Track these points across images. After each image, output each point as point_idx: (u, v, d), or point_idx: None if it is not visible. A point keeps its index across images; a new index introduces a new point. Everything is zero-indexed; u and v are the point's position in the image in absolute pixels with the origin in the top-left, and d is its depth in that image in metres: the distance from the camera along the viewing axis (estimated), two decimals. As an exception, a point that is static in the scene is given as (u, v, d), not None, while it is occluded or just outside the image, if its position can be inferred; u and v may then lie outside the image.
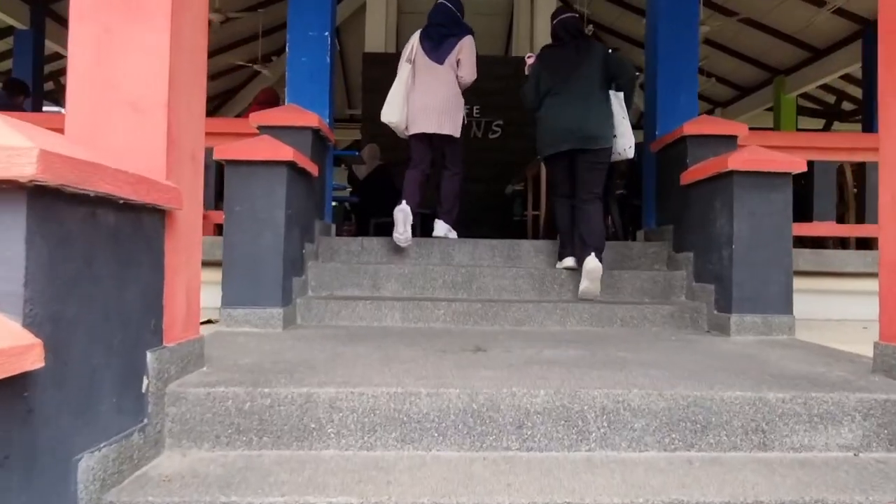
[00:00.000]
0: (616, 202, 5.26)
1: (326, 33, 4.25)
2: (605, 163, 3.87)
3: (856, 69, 10.62)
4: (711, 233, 3.38)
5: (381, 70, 9.42)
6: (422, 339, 2.80)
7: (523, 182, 8.32)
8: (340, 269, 3.65)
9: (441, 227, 4.43)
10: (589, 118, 3.79)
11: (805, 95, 12.29)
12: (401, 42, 14.78)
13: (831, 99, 12.75)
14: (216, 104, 16.10)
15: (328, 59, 4.25)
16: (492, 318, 3.34)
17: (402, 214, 4.10)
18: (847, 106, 12.72)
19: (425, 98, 4.28)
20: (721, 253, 3.27)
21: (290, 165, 3.13)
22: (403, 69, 4.45)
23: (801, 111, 12.34)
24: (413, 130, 4.38)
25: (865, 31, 9.44)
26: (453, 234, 4.50)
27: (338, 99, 16.49)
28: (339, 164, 6.77)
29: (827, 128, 12.48)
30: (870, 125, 9.47)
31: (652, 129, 4.39)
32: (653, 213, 4.35)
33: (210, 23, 9.22)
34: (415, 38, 4.56)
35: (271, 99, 5.35)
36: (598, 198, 3.83)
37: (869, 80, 9.41)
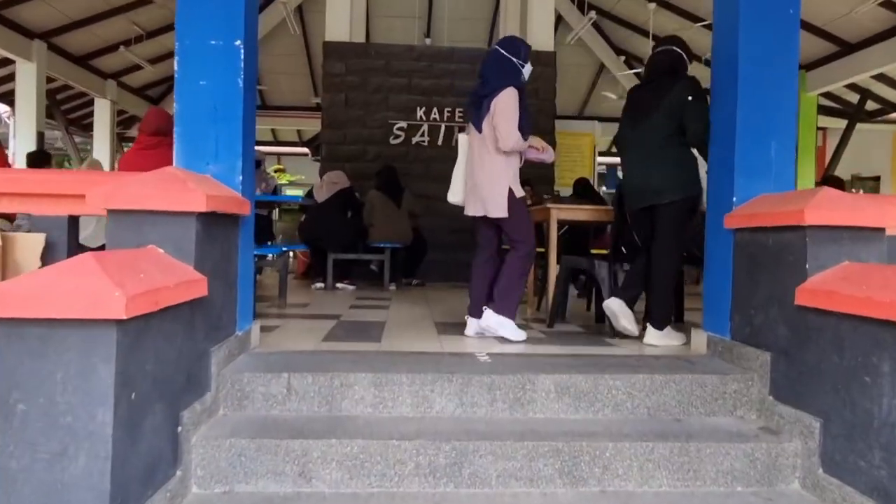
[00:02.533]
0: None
1: (238, 42, 2.74)
2: (677, 217, 3.44)
3: (891, 68, 9.33)
4: (871, 410, 2.00)
5: (346, 64, 7.88)
6: None
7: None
8: (247, 448, 2.20)
9: (487, 319, 3.49)
10: (652, 172, 3.43)
11: (824, 93, 10.99)
12: (371, 28, 13.13)
13: (853, 97, 11.46)
14: (164, 89, 14.32)
15: (241, 83, 2.75)
16: (498, 559, 1.94)
17: (471, 332, 3.63)
18: (871, 105, 11.46)
19: (471, 175, 3.64)
20: None
21: (129, 321, 1.67)
22: (461, 142, 3.80)
23: (820, 109, 11.05)
24: (468, 213, 3.69)
25: (914, 24, 8.09)
26: (508, 332, 3.41)
27: (302, 86, 14.81)
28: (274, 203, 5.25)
29: (849, 129, 11.21)
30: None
31: (724, 191, 2.98)
32: (725, 316, 2.96)
33: None
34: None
35: (163, 126, 3.76)
36: (668, 253, 3.44)
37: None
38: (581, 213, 4.28)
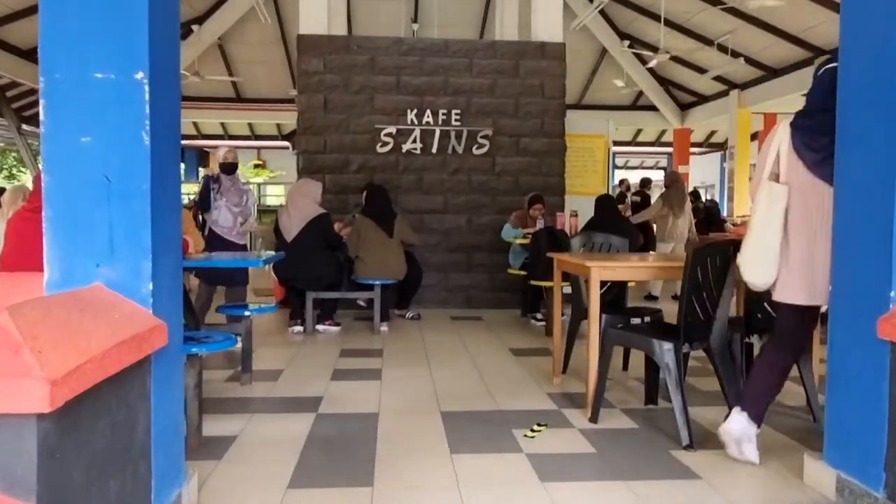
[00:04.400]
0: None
1: (141, 74, 1.74)
2: None
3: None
4: None
5: (324, 60, 6.82)
6: None
7: (531, 229, 5.92)
8: None
9: (733, 426, 2.56)
10: None
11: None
12: (353, 19, 11.98)
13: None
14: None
15: (147, 138, 1.76)
16: None
17: (728, 436, 2.56)
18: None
19: (811, 248, 2.39)
20: None
21: None
22: (768, 192, 2.45)
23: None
24: (785, 298, 2.46)
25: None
26: (749, 451, 2.54)
27: (281, 77, 13.67)
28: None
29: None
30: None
31: (870, 281, 2.05)
32: (876, 461, 2.03)
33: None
34: (780, 136, 2.49)
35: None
36: None
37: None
38: (638, 271, 3.29)
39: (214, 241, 4.85)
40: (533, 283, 5.44)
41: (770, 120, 15.00)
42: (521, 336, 5.36)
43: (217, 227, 4.96)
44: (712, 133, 17.91)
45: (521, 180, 6.92)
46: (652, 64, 11.65)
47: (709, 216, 9.20)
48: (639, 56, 12.35)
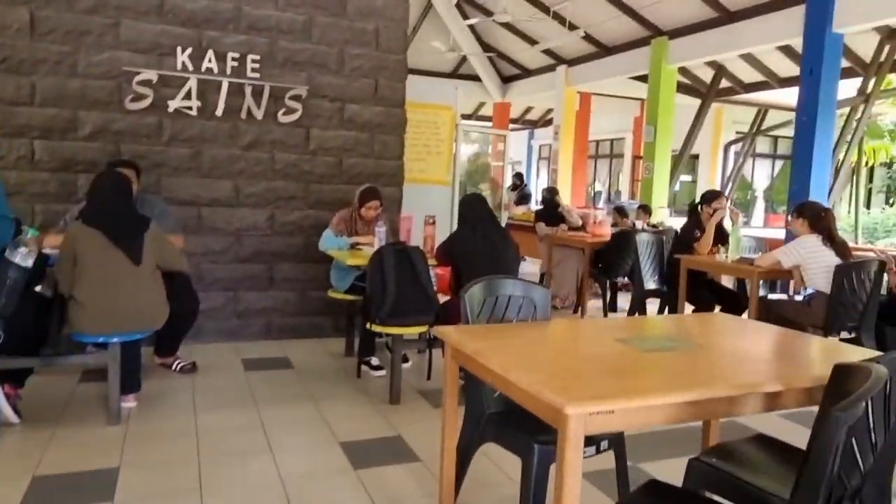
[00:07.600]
0: None
1: None
2: None
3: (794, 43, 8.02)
4: None
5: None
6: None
7: (362, 238, 4.08)
8: None
9: None
10: None
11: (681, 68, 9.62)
12: None
13: (706, 75, 10.30)
14: None
15: None
16: None
17: None
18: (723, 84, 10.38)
19: None
20: None
21: None
22: None
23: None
24: None
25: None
26: None
27: None
28: None
29: (702, 110, 10.06)
30: None
31: None
32: None
33: None
34: None
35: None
36: None
37: None
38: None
39: None
40: (372, 327, 3.65)
41: (586, 100, 14.69)
42: (356, 406, 3.56)
43: None
44: (528, 109, 17.33)
45: (347, 163, 5.03)
46: (474, 21, 10.23)
47: (547, 207, 8.02)
48: (466, 16, 10.92)
